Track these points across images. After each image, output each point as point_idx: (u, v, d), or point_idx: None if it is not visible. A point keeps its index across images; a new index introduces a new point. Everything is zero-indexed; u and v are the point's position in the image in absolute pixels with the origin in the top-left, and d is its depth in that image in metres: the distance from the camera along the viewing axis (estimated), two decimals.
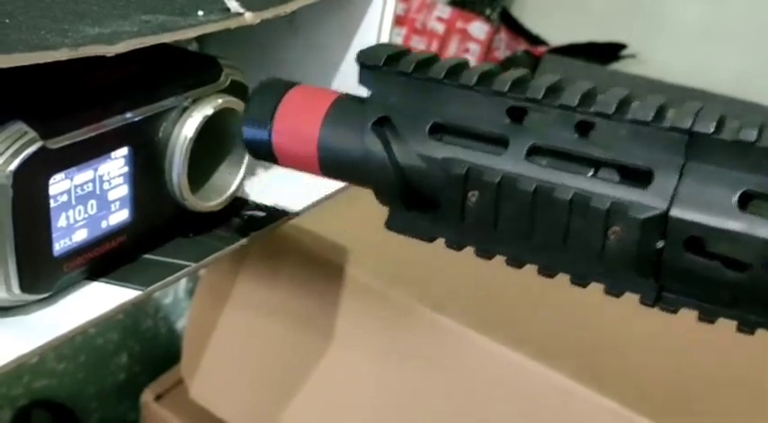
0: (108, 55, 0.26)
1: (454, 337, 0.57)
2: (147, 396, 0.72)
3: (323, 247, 0.60)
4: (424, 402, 0.56)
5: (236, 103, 0.33)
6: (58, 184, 0.27)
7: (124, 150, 0.29)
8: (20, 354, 0.27)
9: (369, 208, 0.27)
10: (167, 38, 0.28)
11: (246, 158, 0.34)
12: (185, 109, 0.31)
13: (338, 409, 0.57)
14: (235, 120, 0.33)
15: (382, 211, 0.28)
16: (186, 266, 0.32)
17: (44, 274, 0.28)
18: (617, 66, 1.13)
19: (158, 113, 0.30)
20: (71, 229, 0.28)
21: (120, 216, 0.30)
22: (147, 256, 0.32)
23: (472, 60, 1.01)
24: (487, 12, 1.10)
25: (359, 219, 0.50)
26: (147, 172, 0.31)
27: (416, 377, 0.56)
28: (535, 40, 1.18)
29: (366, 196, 0.28)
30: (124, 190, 0.30)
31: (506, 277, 0.57)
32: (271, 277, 0.61)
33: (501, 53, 1.16)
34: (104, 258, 0.30)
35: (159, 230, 0.32)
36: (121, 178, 0.30)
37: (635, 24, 1.13)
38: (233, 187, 0.34)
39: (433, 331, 0.56)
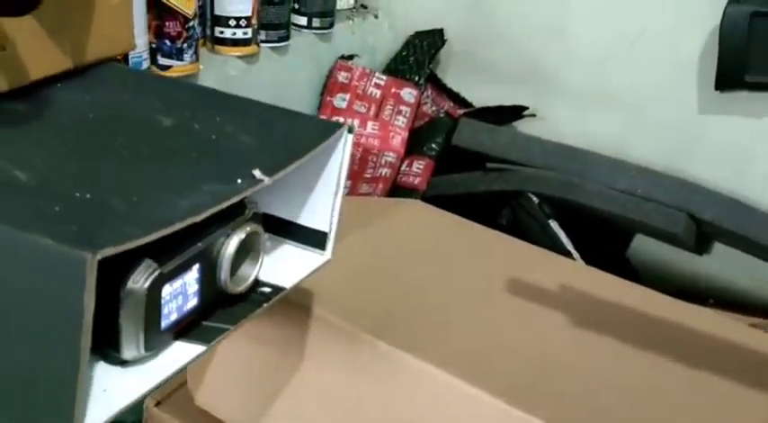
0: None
1: (393, 360, 0.77)
2: (148, 401, 0.91)
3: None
4: (373, 415, 0.76)
5: (257, 228, 0.54)
6: (165, 289, 0.48)
7: (197, 266, 0.50)
8: (143, 391, 0.48)
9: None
10: (225, 204, 0.49)
11: (262, 257, 0.56)
12: (227, 235, 0.52)
13: (315, 417, 0.78)
14: (257, 238, 0.54)
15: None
16: (228, 328, 0.53)
17: (156, 340, 0.49)
18: (521, 123, 1.37)
19: (213, 241, 0.52)
20: (170, 314, 0.49)
21: (193, 302, 0.51)
22: (205, 323, 0.53)
23: (404, 120, 1.24)
24: (416, 78, 1.32)
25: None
26: (208, 275, 0.52)
27: (370, 395, 0.76)
28: (456, 97, 1.41)
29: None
30: (195, 287, 0.51)
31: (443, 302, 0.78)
32: None
33: (428, 108, 1.39)
34: (184, 327, 0.51)
35: (212, 307, 0.53)
36: (195, 281, 0.51)
37: (537, 88, 1.37)
38: (253, 276, 0.56)
39: (377, 356, 0.77)
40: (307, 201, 0.62)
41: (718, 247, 1.30)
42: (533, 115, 1.36)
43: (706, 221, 1.14)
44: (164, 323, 0.49)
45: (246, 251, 0.55)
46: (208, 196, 0.49)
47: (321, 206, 0.62)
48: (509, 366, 0.77)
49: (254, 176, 0.52)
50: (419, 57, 1.34)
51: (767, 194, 1.23)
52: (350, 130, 0.59)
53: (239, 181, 0.51)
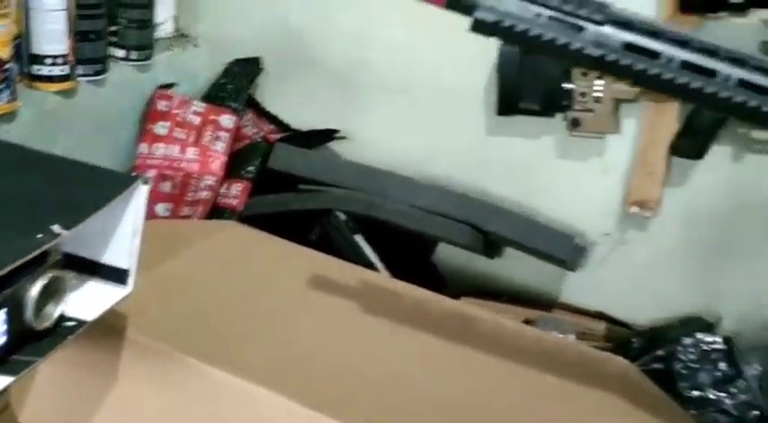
0: None
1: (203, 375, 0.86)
2: None
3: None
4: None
5: (58, 273, 0.63)
6: None
7: (4, 309, 0.59)
8: None
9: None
10: (26, 258, 0.58)
11: (66, 296, 0.65)
12: (32, 281, 0.61)
13: None
14: (59, 281, 0.63)
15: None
16: (35, 361, 0.62)
17: None
18: (334, 144, 1.50)
19: (19, 288, 0.60)
20: None
21: (2, 340, 0.60)
22: (15, 356, 0.61)
23: (222, 145, 1.33)
24: (234, 105, 1.42)
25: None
26: (15, 316, 0.60)
27: (182, 410, 0.85)
28: (275, 120, 1.52)
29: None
30: (4, 327, 0.60)
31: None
32: None
33: (249, 130, 1.49)
34: None
35: (21, 342, 0.62)
36: (3, 322, 0.59)
37: (348, 112, 1.50)
38: (57, 314, 0.64)
39: (189, 372, 0.86)
40: (109, 242, 0.71)
41: (509, 251, 1.48)
42: (344, 138, 1.49)
43: (490, 232, 1.31)
44: None
45: (51, 292, 0.64)
46: (12, 250, 0.57)
47: (122, 247, 0.71)
48: (313, 374, 0.89)
49: (53, 231, 0.61)
50: (237, 84, 1.44)
51: (547, 204, 1.42)
52: (145, 182, 0.69)
53: (39, 235, 0.60)
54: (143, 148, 1.34)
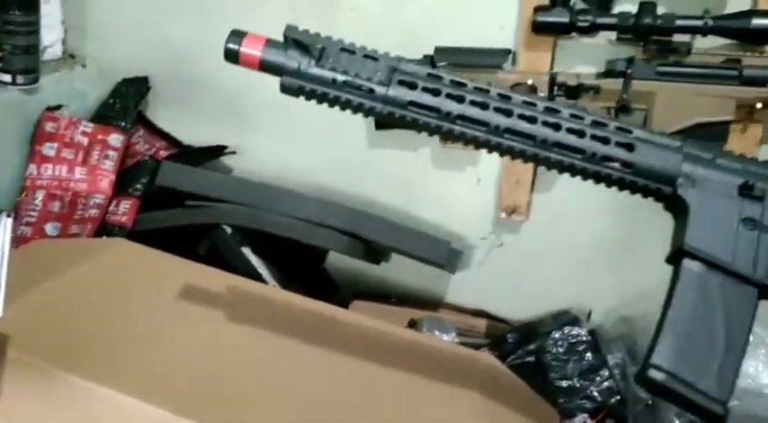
0: None
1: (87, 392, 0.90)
2: None
3: None
4: None
5: None
6: None
7: None
8: None
9: None
10: None
11: None
12: None
13: None
14: None
15: None
16: None
17: None
18: (225, 159, 1.56)
19: None
20: None
21: None
22: None
23: (111, 164, 1.37)
24: (122, 124, 1.46)
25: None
26: None
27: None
28: (167, 136, 1.57)
29: None
30: None
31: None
32: None
33: (141, 146, 1.54)
34: None
35: None
36: None
37: (238, 127, 1.56)
38: None
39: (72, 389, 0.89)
40: None
41: (396, 255, 1.56)
42: (233, 153, 1.55)
43: (370, 240, 1.39)
44: None
45: None
46: None
47: None
48: (192, 387, 0.94)
49: None
50: (125, 103, 1.48)
51: (424, 212, 1.51)
52: (8, 215, 0.74)
53: None
54: (32, 169, 1.37)
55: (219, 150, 1.53)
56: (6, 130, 1.35)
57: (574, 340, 1.41)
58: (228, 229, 1.35)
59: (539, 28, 1.27)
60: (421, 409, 1.01)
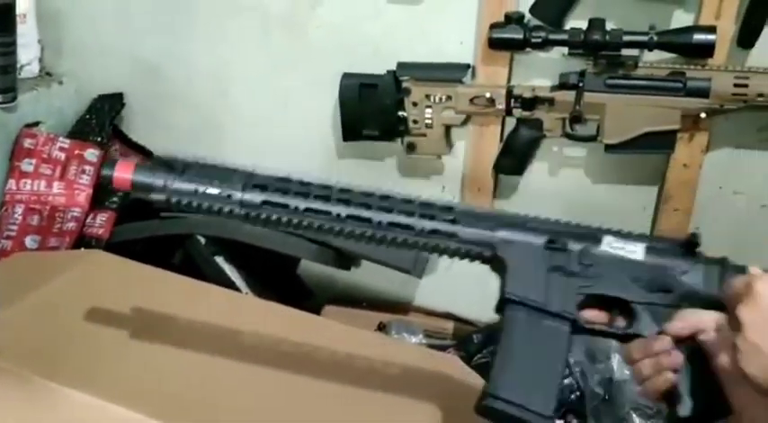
0: None
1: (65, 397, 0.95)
2: None
3: None
4: None
5: None
6: None
7: None
8: None
9: None
10: None
11: None
12: None
13: None
14: None
15: None
16: None
17: None
18: None
19: None
20: None
21: None
22: None
23: (87, 178, 1.42)
24: (99, 139, 1.51)
25: None
26: None
27: None
28: (142, 150, 1.62)
29: None
30: None
31: None
32: None
33: None
34: None
35: None
36: None
37: (211, 142, 1.62)
38: None
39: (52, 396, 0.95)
40: None
41: (366, 262, 1.62)
42: None
43: (339, 247, 1.45)
44: None
45: None
46: None
47: None
48: (167, 392, 1.00)
49: None
50: (100, 119, 1.53)
51: None
52: None
53: None
54: (11, 184, 1.42)
55: None
56: None
57: None
58: (202, 240, 1.41)
59: (495, 44, 1.33)
60: (383, 414, 1.06)
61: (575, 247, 0.75)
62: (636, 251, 0.73)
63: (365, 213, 0.78)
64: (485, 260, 0.79)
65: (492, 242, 0.77)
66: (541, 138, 1.40)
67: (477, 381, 1.23)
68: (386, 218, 0.78)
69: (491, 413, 0.74)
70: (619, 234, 0.75)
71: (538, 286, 0.74)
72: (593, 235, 0.75)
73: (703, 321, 0.69)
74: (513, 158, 1.44)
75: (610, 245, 0.74)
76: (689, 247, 0.74)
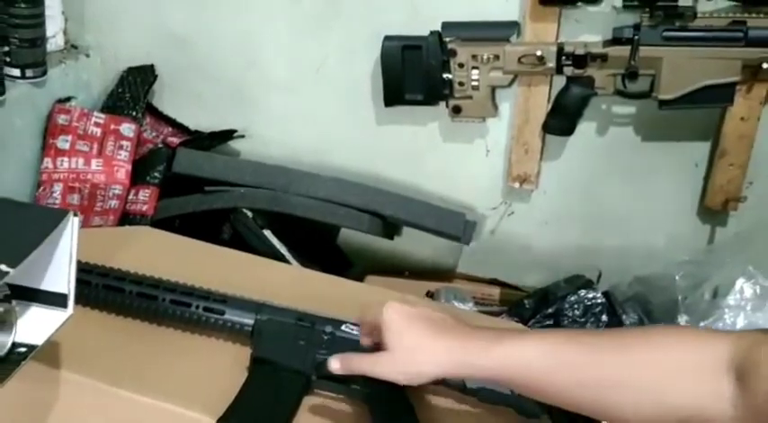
0: None
1: None
2: None
3: None
4: None
5: (7, 306, 0.69)
6: None
7: None
8: None
9: None
10: None
11: (16, 326, 0.71)
12: None
13: None
14: (8, 314, 0.69)
15: None
16: None
17: None
18: (234, 143, 1.57)
19: None
20: None
21: None
22: None
23: (125, 154, 1.37)
24: (133, 113, 1.46)
25: None
26: None
27: None
28: (174, 123, 1.57)
29: None
30: None
31: None
32: None
33: (149, 134, 1.54)
34: None
35: None
36: None
37: (243, 112, 1.57)
38: (9, 343, 0.71)
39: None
40: (47, 270, 0.77)
41: (408, 229, 1.59)
42: (242, 136, 1.56)
43: (388, 216, 1.41)
44: None
45: (1, 324, 0.70)
46: None
47: (60, 273, 0.77)
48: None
49: (0, 270, 0.67)
50: (134, 93, 1.48)
51: (435, 185, 1.54)
52: (75, 214, 0.75)
53: None
54: (47, 162, 1.37)
55: (229, 134, 1.54)
56: (19, 126, 1.35)
57: (589, 303, 1.44)
58: (249, 213, 1.37)
59: None
60: None
61: (320, 326, 0.97)
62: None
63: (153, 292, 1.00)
64: (243, 332, 0.98)
65: (254, 317, 0.98)
66: (592, 96, 1.37)
67: None
68: (170, 297, 0.99)
69: None
70: (354, 323, 0.96)
71: (285, 350, 0.94)
72: (338, 321, 0.97)
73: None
74: (563, 118, 1.40)
75: (347, 328, 0.96)
76: None
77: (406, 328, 0.81)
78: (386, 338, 0.82)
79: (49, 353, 0.88)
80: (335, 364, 0.85)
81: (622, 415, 0.70)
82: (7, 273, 0.66)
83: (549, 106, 1.40)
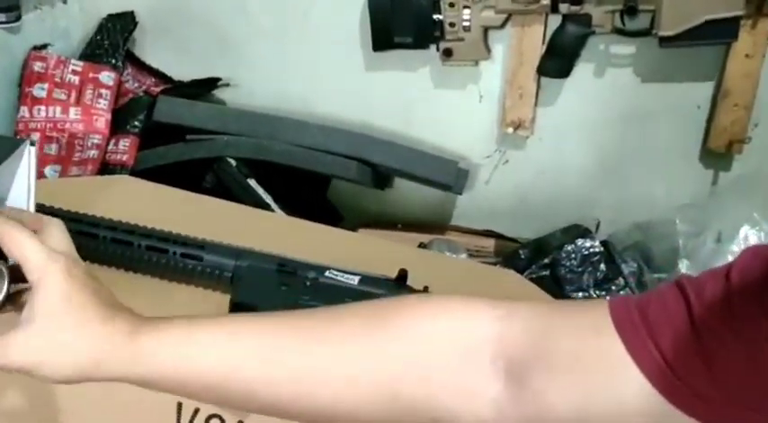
0: None
1: None
2: None
3: None
4: None
5: None
6: None
7: None
8: None
9: None
10: None
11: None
12: None
13: None
14: None
15: None
16: None
17: None
18: (218, 92, 1.51)
19: None
20: None
21: None
22: None
23: (105, 102, 1.32)
24: (113, 61, 1.41)
25: None
26: None
27: None
28: (156, 73, 1.52)
29: None
30: None
31: None
32: None
33: (131, 85, 1.49)
34: None
35: None
36: None
37: (228, 60, 1.51)
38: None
39: None
40: (4, 203, 0.72)
41: (399, 181, 1.54)
42: (227, 85, 1.51)
43: (378, 165, 1.36)
44: None
45: None
46: None
47: (18, 206, 0.72)
48: None
49: None
50: (113, 40, 1.42)
51: (426, 133, 1.49)
52: (32, 143, 0.70)
53: None
54: (23, 111, 1.32)
55: (213, 83, 1.48)
56: None
57: (587, 252, 1.40)
58: (233, 162, 1.32)
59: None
60: None
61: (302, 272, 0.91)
62: (352, 280, 0.89)
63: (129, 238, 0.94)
64: (223, 278, 0.92)
65: (232, 264, 0.92)
66: (590, 35, 1.31)
67: (540, 294, 1.17)
68: (146, 243, 0.93)
69: None
70: (339, 269, 0.91)
71: (269, 294, 0.90)
72: (321, 267, 0.91)
73: None
74: (559, 59, 1.35)
75: (331, 273, 0.91)
76: (399, 281, 0.89)
77: (78, 291, 0.54)
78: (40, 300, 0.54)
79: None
80: None
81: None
82: None
83: (544, 47, 1.35)
